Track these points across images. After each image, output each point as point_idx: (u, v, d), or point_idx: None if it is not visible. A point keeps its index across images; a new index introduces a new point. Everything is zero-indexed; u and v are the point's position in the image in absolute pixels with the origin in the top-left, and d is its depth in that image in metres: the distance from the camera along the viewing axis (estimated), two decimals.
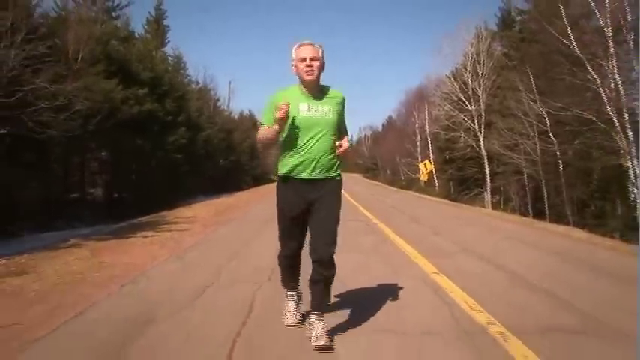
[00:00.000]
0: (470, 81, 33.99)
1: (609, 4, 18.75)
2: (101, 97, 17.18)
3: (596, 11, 19.25)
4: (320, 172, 3.87)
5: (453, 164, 38.36)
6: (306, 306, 4.25)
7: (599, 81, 18.79)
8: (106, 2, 32.73)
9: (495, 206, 30.57)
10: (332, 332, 4.01)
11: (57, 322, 4.50)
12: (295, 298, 4.33)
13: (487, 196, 32.86)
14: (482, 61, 33.68)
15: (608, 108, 18.59)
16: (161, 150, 25.82)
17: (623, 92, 18.51)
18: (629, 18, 18.28)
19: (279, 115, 3.64)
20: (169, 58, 37.82)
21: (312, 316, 3.95)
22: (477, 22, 35.67)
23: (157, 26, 39.93)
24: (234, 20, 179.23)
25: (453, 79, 35.85)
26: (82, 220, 21.49)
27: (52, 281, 6.12)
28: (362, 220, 14.43)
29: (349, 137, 4.11)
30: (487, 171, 32.61)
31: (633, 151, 18.27)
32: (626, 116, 18.42)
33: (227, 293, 5.59)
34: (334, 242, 3.91)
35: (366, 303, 5.09)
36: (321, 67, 3.85)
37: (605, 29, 18.93)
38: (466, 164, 35.95)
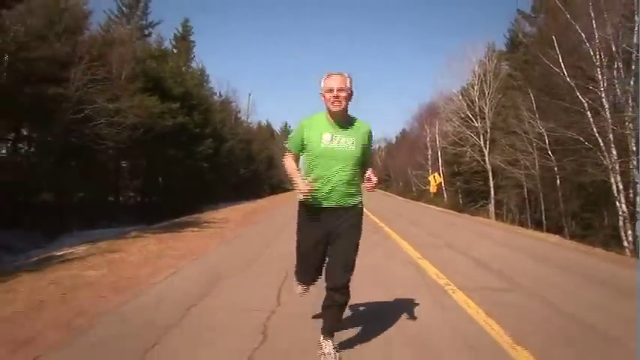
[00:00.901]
0: (477, 99, 36.16)
1: (598, 36, 20.86)
2: (145, 113, 19.64)
3: (587, 42, 21.35)
4: (340, 202, 3.87)
5: (460, 177, 40.50)
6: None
7: (586, 105, 20.87)
8: (139, 21, 35.38)
9: (499, 217, 32.69)
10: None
11: (166, 274, 6.94)
12: (306, 287, 4.36)
13: (491, 207, 34.92)
14: (489, 81, 35.88)
15: (595, 129, 20.66)
16: (190, 159, 28.28)
17: (608, 115, 20.55)
18: (613, 48, 20.35)
19: (303, 193, 3.81)
20: (195, 72, 40.22)
21: (321, 338, 4.04)
22: (484, 44, 37.92)
23: (184, 42, 42.38)
24: (252, 29, 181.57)
25: (461, 97, 38.03)
26: (119, 220, 23.95)
27: (142, 256, 8.54)
28: (370, 223, 16.69)
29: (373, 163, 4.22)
30: (492, 184, 34.70)
31: (617, 167, 20.36)
32: (611, 137, 20.48)
33: (268, 266, 7.95)
34: (351, 270, 3.93)
35: (366, 274, 7.38)
36: (349, 98, 3.83)
37: (594, 58, 21.02)
38: (472, 177, 38.07)
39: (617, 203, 20.55)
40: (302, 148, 3.99)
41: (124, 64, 21.22)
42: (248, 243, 11.16)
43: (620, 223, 20.38)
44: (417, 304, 5.68)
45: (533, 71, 28.77)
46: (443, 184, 44.94)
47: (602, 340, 4.74)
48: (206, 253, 9.30)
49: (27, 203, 19.41)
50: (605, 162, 20.65)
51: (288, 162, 4.10)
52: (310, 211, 3.92)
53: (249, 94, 61.71)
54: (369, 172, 3.82)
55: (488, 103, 35.59)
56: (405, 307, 5.52)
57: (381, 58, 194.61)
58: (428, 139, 52.65)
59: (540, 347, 4.31)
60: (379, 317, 5.15)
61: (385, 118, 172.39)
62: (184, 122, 26.69)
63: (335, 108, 3.78)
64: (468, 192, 39.87)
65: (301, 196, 3.85)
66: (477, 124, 36.03)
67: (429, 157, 52.57)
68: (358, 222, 3.97)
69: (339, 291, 3.86)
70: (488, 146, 34.92)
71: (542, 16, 32.64)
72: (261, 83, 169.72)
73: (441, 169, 46.81)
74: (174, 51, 40.85)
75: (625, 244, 19.80)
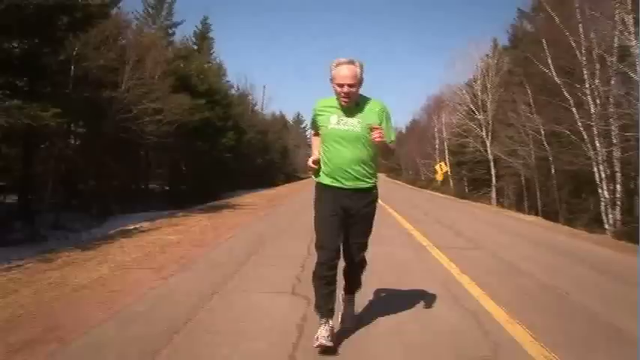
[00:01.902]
0: (479, 93, 38.60)
1: (584, 39, 23.22)
2: (180, 110, 22.31)
3: (573, 43, 23.70)
4: (352, 184, 3.95)
5: (465, 166, 42.98)
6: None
7: (571, 101, 23.32)
8: (164, 21, 37.90)
9: (500, 203, 35.21)
10: None
11: (225, 238, 9.64)
12: (330, 323, 3.96)
13: (493, 194, 37.41)
14: (491, 76, 38.27)
15: (579, 123, 23.09)
16: (215, 150, 30.97)
17: (593, 111, 22.95)
18: (597, 51, 22.69)
19: (310, 169, 4.11)
20: (215, 67, 42.64)
21: (343, 300, 4.41)
22: (488, 39, 40.30)
23: (205, 40, 44.89)
24: (262, 20, 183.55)
25: (464, 91, 40.48)
26: (151, 206, 26.59)
27: (201, 227, 11.25)
28: (378, 207, 19.34)
29: (393, 140, 4.14)
30: (493, 173, 37.16)
31: (600, 158, 22.78)
32: (595, 131, 22.87)
33: (297, 233, 10.60)
34: (365, 249, 4.35)
35: (372, 239, 10.04)
36: (359, 85, 3.83)
37: (581, 59, 23.39)
38: (476, 166, 40.51)
39: (600, 190, 22.95)
40: (318, 129, 4.12)
41: (158, 65, 23.75)
42: (278, 219, 13.91)
43: (602, 208, 22.78)
44: (404, 255, 8.32)
45: (531, 68, 31.07)
46: (449, 173, 47.24)
47: (517, 273, 7.33)
48: (248, 225, 12.06)
49: (75, 190, 22.09)
50: (589, 153, 23.06)
51: (313, 137, 4.33)
52: (325, 191, 4.02)
53: (264, 87, 64.27)
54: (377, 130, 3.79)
55: (490, 96, 37.94)
56: (395, 256, 8.16)
57: (392, 50, 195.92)
58: (435, 129, 54.86)
59: (477, 276, 6.85)
60: (377, 262, 7.76)
61: (395, 108, 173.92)
62: (209, 117, 29.30)
63: (345, 104, 3.84)
64: (472, 180, 42.34)
65: (309, 170, 4.13)
66: (479, 117, 38.45)
67: (437, 146, 54.82)
68: (372, 210, 4.21)
69: (357, 265, 4.38)
70: (490, 137, 37.32)
71: (540, 15, 34.92)
72: (274, 74, 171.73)
73: (447, 158, 49.12)
74: (195, 47, 43.27)
75: (606, 226, 22.18)
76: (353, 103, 3.87)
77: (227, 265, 7.15)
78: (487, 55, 39.73)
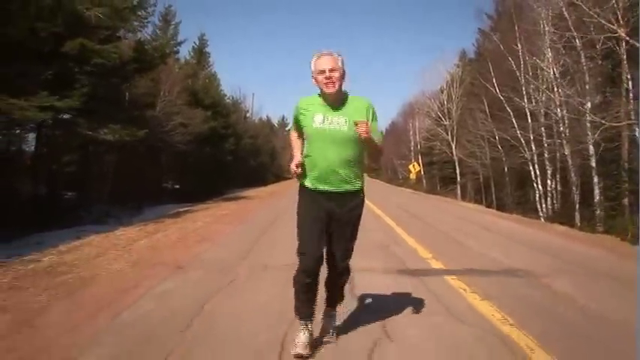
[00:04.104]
0: (445, 102, 44.27)
1: (523, 61, 28.85)
2: (197, 122, 27.68)
3: (515, 68, 29.30)
4: (337, 185, 3.82)
5: (435, 165, 48.63)
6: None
7: (511, 113, 28.95)
8: (170, 42, 42.90)
9: (464, 198, 40.79)
10: None
11: (252, 217, 15.23)
12: (309, 327, 3.92)
13: (458, 190, 43.00)
14: (455, 87, 43.87)
15: (518, 131, 28.71)
16: (219, 154, 36.36)
17: (530, 121, 28.55)
18: (530, 74, 28.32)
19: (292, 173, 3.97)
20: (212, 80, 47.72)
21: (324, 313, 4.25)
22: (455, 52, 45.72)
23: (201, 54, 49.90)
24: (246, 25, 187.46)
25: (432, 99, 46.18)
26: (168, 201, 31.76)
27: (234, 209, 16.71)
28: None
29: (380, 139, 4.02)
30: (458, 172, 42.77)
31: (535, 159, 28.40)
32: (531, 137, 28.46)
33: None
34: (350, 256, 4.12)
35: None
36: (342, 77, 3.72)
37: (520, 79, 28.99)
38: (444, 166, 46.09)
39: (535, 185, 28.52)
40: (300, 129, 3.94)
41: (175, 85, 28.98)
42: (282, 204, 19.24)
43: (537, 198, 28.36)
44: (366, 219, 13.80)
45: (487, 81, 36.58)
46: (422, 172, 52.54)
47: (431, 228, 12.86)
48: (264, 207, 17.64)
49: (113, 187, 27.27)
50: (526, 155, 28.66)
51: (293, 137, 4.16)
52: (309, 194, 3.93)
53: (253, 95, 69.56)
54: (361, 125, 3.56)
55: (454, 105, 43.52)
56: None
57: (371, 54, 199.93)
58: (410, 132, 60.31)
59: (406, 228, 12.28)
60: None
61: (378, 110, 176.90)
62: (215, 126, 34.63)
63: (329, 89, 3.67)
64: (442, 178, 47.90)
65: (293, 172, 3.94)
66: (445, 123, 44.06)
67: (412, 148, 60.21)
68: (358, 214, 4.10)
69: (340, 273, 4.15)
70: (454, 141, 42.88)
71: (495, 35, 40.36)
72: (259, 78, 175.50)
73: (420, 159, 54.59)
74: (194, 61, 48.20)
75: (540, 214, 27.70)
76: (338, 98, 3.76)
77: (265, 222, 12.70)
78: (456, 65, 45.28)
